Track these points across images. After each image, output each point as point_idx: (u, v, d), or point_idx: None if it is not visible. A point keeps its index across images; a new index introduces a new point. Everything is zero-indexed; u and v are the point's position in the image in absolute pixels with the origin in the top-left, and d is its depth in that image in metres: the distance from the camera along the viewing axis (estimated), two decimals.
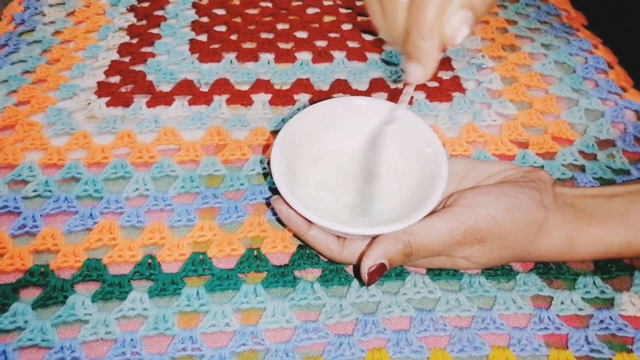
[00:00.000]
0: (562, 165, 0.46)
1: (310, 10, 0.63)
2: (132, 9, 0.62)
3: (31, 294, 0.37)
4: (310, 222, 0.36)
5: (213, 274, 0.38)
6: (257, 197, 0.43)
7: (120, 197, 0.42)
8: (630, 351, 0.35)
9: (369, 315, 0.36)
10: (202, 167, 0.45)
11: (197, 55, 0.56)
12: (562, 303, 0.37)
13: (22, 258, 0.38)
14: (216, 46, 0.57)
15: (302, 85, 0.52)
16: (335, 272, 0.38)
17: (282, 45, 0.57)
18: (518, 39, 0.59)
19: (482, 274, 0.39)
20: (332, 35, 0.59)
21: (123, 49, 0.56)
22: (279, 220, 0.41)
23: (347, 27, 0.60)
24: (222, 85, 0.52)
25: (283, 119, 0.49)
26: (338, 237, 0.37)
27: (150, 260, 0.39)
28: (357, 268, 0.37)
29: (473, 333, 0.36)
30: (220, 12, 0.62)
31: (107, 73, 0.53)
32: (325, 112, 0.40)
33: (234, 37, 0.58)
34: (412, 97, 0.35)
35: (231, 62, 0.55)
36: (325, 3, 0.64)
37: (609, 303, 0.38)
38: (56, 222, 0.41)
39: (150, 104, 0.50)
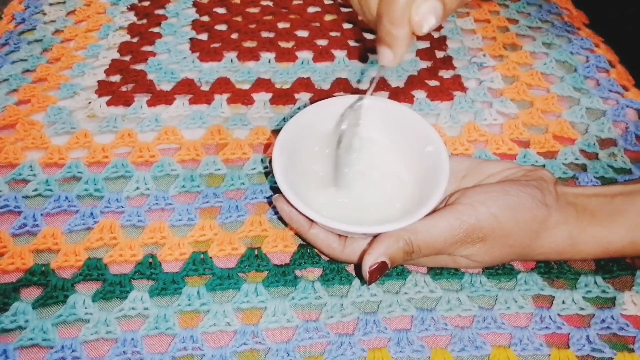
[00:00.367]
0: (564, 164, 0.46)
1: (311, 9, 0.63)
2: (132, 7, 0.62)
3: (32, 294, 0.37)
4: (311, 220, 0.35)
5: (214, 273, 0.38)
6: (258, 197, 0.43)
7: (120, 196, 0.42)
8: (631, 351, 0.35)
9: (370, 315, 0.36)
10: (202, 166, 0.45)
11: (197, 54, 0.55)
12: (563, 302, 0.37)
13: (23, 257, 0.38)
14: (217, 45, 0.57)
15: (303, 84, 0.52)
16: (336, 272, 0.38)
17: (282, 44, 0.57)
18: (519, 38, 0.59)
19: (483, 273, 0.39)
20: (332, 34, 0.59)
21: (123, 47, 0.56)
22: (280, 219, 0.41)
23: (347, 26, 0.60)
24: (222, 84, 0.52)
25: (284, 118, 0.49)
26: (339, 235, 0.37)
27: (151, 260, 0.39)
28: (358, 267, 0.37)
29: (474, 332, 0.36)
30: (221, 10, 0.62)
31: (108, 72, 0.53)
32: (326, 111, 0.40)
33: (234, 36, 0.58)
34: (379, 80, 0.36)
35: (232, 61, 0.55)
36: (326, 2, 0.64)
37: (611, 302, 0.38)
38: (57, 222, 0.41)
39: (150, 103, 0.50)
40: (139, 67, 0.54)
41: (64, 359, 0.34)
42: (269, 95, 0.51)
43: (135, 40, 0.57)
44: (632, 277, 0.39)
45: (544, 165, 0.46)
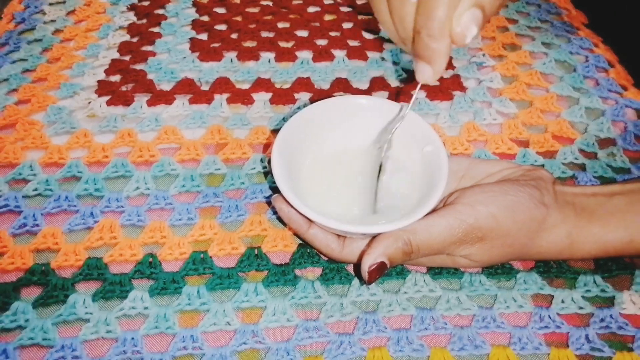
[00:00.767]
0: (563, 164, 0.46)
1: (311, 9, 0.63)
2: (132, 7, 0.62)
3: (32, 293, 0.37)
4: (310, 220, 0.36)
5: (214, 272, 0.38)
6: (258, 196, 0.43)
7: (120, 196, 0.42)
8: (630, 350, 0.35)
9: (370, 314, 0.36)
10: (202, 166, 0.45)
11: (197, 54, 0.56)
12: (562, 302, 0.37)
13: (23, 257, 0.38)
14: (217, 45, 0.57)
15: (303, 84, 0.52)
16: (335, 271, 0.39)
17: (282, 44, 0.57)
18: (519, 38, 0.59)
19: (482, 273, 0.39)
20: (332, 33, 0.59)
21: (123, 47, 0.56)
22: (279, 218, 0.41)
23: (347, 25, 0.60)
24: (222, 84, 0.52)
25: (284, 118, 0.49)
26: (338, 235, 0.37)
27: (151, 259, 0.39)
28: (357, 267, 0.37)
29: (473, 332, 0.36)
30: (221, 10, 0.62)
31: (108, 72, 0.53)
32: (326, 111, 0.40)
33: (234, 35, 0.58)
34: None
35: (232, 60, 0.55)
36: (326, 2, 0.64)
37: (610, 302, 0.38)
38: (57, 221, 0.41)
39: (150, 103, 0.50)
40: (138, 67, 0.54)
41: (64, 358, 0.34)
42: (269, 95, 0.52)
43: (135, 40, 0.57)
44: (631, 277, 0.39)
45: (543, 165, 0.46)
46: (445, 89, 0.52)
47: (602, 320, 0.36)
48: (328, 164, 0.40)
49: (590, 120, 0.50)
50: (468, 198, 0.35)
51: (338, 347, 0.35)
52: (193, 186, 0.43)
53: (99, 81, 0.52)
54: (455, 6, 0.29)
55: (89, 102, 0.50)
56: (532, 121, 0.50)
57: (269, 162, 0.36)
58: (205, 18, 0.61)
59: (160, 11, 0.61)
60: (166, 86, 0.52)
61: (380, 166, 0.38)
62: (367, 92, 0.52)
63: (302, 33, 0.59)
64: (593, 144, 0.48)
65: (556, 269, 0.39)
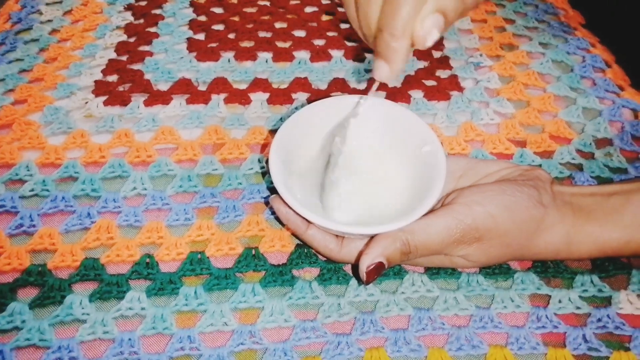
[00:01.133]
0: (560, 163, 0.46)
1: (308, 9, 0.63)
2: (129, 7, 0.62)
3: (28, 294, 0.37)
4: (308, 221, 0.36)
5: (211, 273, 0.38)
6: (255, 196, 0.43)
7: (117, 196, 0.42)
8: (627, 349, 0.35)
9: (367, 314, 0.36)
10: (200, 166, 0.45)
11: (194, 54, 0.55)
12: (559, 302, 0.37)
13: (20, 257, 0.38)
14: (214, 45, 0.57)
15: (300, 84, 0.52)
16: (333, 271, 0.38)
17: (280, 44, 0.57)
18: (516, 38, 0.59)
19: (480, 273, 0.39)
20: (330, 34, 0.59)
21: (120, 47, 0.56)
22: (277, 219, 0.41)
23: (345, 25, 0.60)
24: (220, 84, 0.52)
25: (281, 118, 0.49)
26: (336, 236, 0.37)
27: (148, 260, 0.39)
28: (355, 267, 0.37)
29: (471, 332, 0.36)
30: (218, 10, 0.62)
31: (105, 72, 0.53)
32: (323, 111, 0.40)
33: (231, 35, 0.58)
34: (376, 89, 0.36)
35: (229, 60, 0.55)
36: (323, 2, 0.64)
37: (607, 301, 0.38)
38: (53, 222, 0.41)
39: (147, 103, 0.50)
40: (136, 67, 0.54)
41: (61, 359, 0.34)
42: (266, 95, 0.51)
43: (132, 40, 0.57)
44: (627, 276, 0.39)
45: (540, 165, 0.46)
46: (443, 89, 0.52)
47: (599, 320, 0.37)
48: (325, 164, 0.40)
49: (587, 120, 0.50)
50: (466, 198, 0.35)
51: (335, 348, 0.35)
52: (190, 186, 0.43)
53: (95, 81, 0.52)
54: (419, 9, 0.30)
55: (86, 102, 0.50)
56: (530, 121, 0.50)
57: (267, 162, 0.36)
58: (203, 18, 0.61)
59: (157, 11, 0.61)
60: (163, 86, 0.52)
61: (329, 161, 0.38)
62: (365, 92, 0.52)
63: (300, 33, 0.59)
64: (590, 144, 0.48)
65: (553, 269, 0.39)
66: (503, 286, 0.38)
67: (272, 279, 0.38)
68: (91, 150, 0.45)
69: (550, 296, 0.38)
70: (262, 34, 0.58)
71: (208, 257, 0.39)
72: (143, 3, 0.62)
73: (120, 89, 0.51)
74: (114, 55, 0.55)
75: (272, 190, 0.43)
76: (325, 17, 0.62)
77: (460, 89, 0.53)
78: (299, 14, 0.62)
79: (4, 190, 0.42)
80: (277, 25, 0.60)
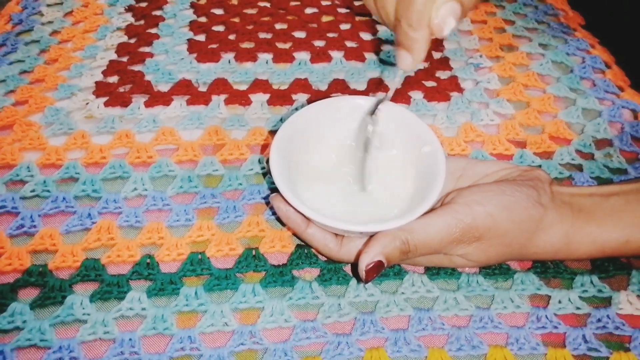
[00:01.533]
0: (560, 164, 0.46)
1: (309, 10, 0.63)
2: (130, 8, 0.62)
3: (29, 294, 0.37)
4: (308, 219, 0.36)
5: (211, 273, 0.38)
6: (256, 197, 0.43)
7: (118, 197, 0.42)
8: (627, 350, 0.35)
9: (367, 315, 0.36)
10: (200, 167, 0.45)
11: (195, 55, 0.56)
12: (559, 302, 0.37)
13: (20, 258, 0.38)
14: (214, 46, 0.57)
15: (300, 85, 0.52)
16: (333, 272, 0.39)
17: (280, 45, 0.57)
18: (516, 39, 0.59)
19: (480, 273, 0.39)
20: (330, 35, 0.59)
21: (121, 48, 0.56)
22: (277, 219, 0.41)
23: (345, 27, 0.60)
24: (220, 85, 0.52)
25: (281, 119, 0.49)
26: (336, 235, 0.37)
27: (148, 260, 0.39)
28: (355, 266, 0.37)
29: (471, 332, 0.36)
30: (219, 12, 0.62)
31: (105, 73, 0.53)
32: (323, 112, 0.40)
33: (232, 37, 0.58)
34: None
35: (229, 62, 0.55)
36: (324, 3, 0.64)
37: (607, 302, 0.38)
38: (54, 222, 0.41)
39: (148, 104, 0.50)
40: (136, 68, 0.54)
41: (61, 359, 0.34)
42: (267, 96, 0.52)
43: (132, 41, 0.57)
44: (627, 277, 0.39)
45: (540, 166, 0.46)
46: (443, 90, 0.52)
47: (599, 320, 0.37)
48: (325, 164, 0.40)
49: (587, 121, 0.50)
50: (465, 198, 0.35)
51: (336, 348, 0.35)
52: (191, 187, 0.43)
53: (96, 82, 0.52)
54: None
55: (87, 103, 0.50)
56: (529, 122, 0.50)
57: (267, 162, 0.36)
58: (203, 19, 0.61)
59: (157, 12, 0.62)
60: (164, 87, 0.52)
61: (366, 144, 0.38)
62: (365, 93, 0.52)
63: (300, 34, 0.59)
64: (590, 144, 0.48)
65: (553, 270, 0.39)
66: (503, 286, 0.38)
67: (273, 280, 0.38)
68: (92, 151, 0.45)
69: (550, 296, 0.38)
70: (262, 35, 0.59)
71: (208, 258, 0.39)
72: (144, 4, 0.62)
73: (121, 90, 0.52)
74: (114, 57, 0.55)
75: (273, 190, 0.43)
76: (325, 19, 0.62)
77: (460, 90, 0.53)
78: (299, 15, 0.62)
79: (5, 190, 0.43)
80: (278, 26, 0.60)
